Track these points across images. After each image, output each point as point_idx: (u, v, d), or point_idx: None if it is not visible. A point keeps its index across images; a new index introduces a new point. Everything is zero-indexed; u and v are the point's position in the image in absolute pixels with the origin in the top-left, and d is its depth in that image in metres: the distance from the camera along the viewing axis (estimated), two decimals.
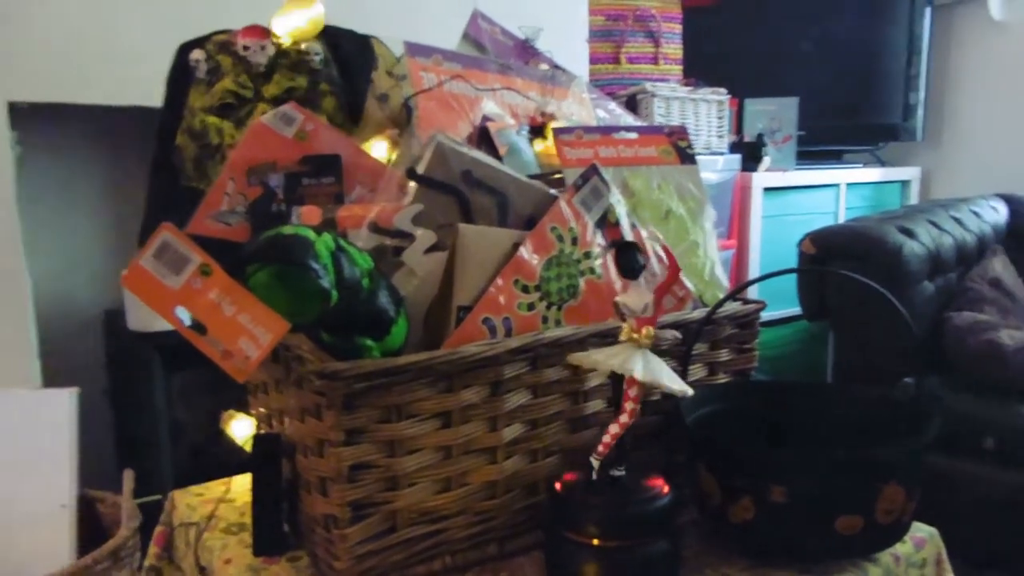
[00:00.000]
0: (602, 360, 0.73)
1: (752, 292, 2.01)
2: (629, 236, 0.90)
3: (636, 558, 0.69)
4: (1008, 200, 2.15)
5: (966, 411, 1.54)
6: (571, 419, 0.83)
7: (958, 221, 1.94)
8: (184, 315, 0.67)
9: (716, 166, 2.07)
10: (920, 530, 0.84)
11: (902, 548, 0.81)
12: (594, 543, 0.68)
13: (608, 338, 0.81)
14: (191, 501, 0.97)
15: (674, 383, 0.74)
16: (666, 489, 0.72)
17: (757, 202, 2.17)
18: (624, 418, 0.74)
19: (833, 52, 2.51)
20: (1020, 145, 2.42)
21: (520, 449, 0.80)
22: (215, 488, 1.00)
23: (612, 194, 0.90)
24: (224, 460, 1.04)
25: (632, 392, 0.74)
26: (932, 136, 2.58)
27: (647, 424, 0.86)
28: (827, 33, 2.50)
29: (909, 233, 1.74)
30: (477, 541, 0.79)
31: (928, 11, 2.44)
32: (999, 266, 1.86)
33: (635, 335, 0.74)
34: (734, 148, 2.21)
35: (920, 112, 2.48)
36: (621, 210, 0.91)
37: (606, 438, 0.74)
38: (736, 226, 2.17)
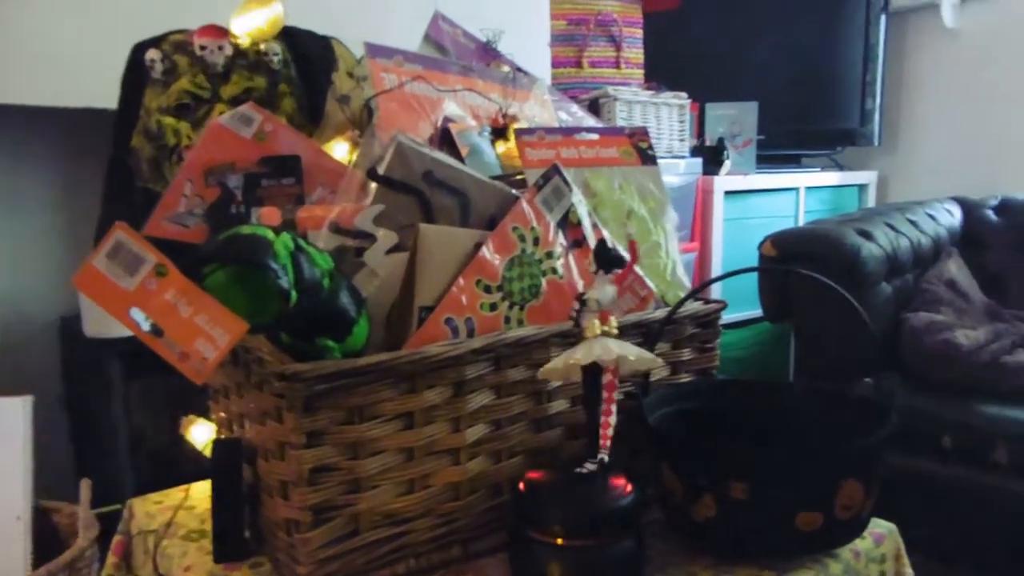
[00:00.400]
0: (582, 357, 0.74)
1: (714, 294, 2.03)
2: (591, 236, 0.90)
3: (601, 557, 0.68)
4: (962, 203, 2.19)
5: (924, 410, 1.56)
6: (535, 419, 0.83)
7: (914, 224, 1.97)
8: (139, 317, 0.66)
9: (678, 169, 2.08)
10: (879, 526, 0.86)
11: (861, 544, 0.82)
12: (558, 542, 0.68)
13: (570, 338, 0.81)
14: (150, 509, 0.95)
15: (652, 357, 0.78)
16: (630, 488, 0.72)
17: (719, 205, 2.20)
18: (614, 407, 0.76)
19: (792, 58, 2.55)
20: (973, 149, 2.48)
21: (484, 450, 0.80)
22: (174, 495, 0.98)
23: (574, 194, 0.90)
24: (185, 467, 1.02)
25: (616, 381, 0.77)
26: (888, 141, 2.63)
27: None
28: (786, 39, 2.54)
29: (867, 235, 1.77)
30: (441, 543, 0.79)
31: (883, 19, 2.49)
32: (954, 268, 1.90)
33: (604, 327, 0.75)
34: (695, 152, 2.23)
35: (876, 117, 2.53)
36: (583, 210, 0.91)
37: (607, 431, 0.75)
38: (698, 229, 2.19)
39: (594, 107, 1.98)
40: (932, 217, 2.05)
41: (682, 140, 2.16)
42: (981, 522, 1.50)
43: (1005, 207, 2.14)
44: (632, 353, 0.75)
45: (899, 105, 2.64)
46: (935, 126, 2.58)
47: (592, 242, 0.89)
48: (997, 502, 1.48)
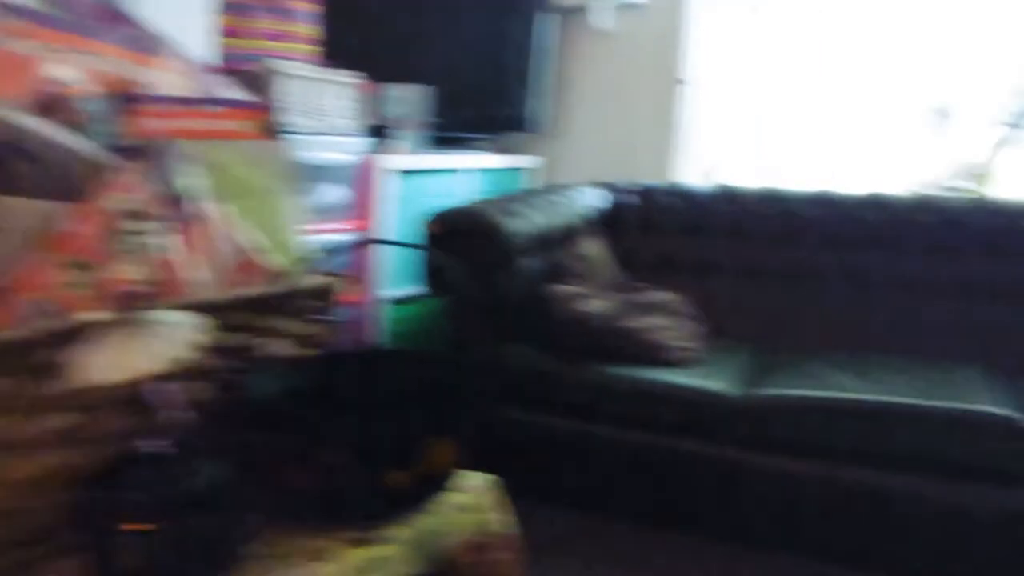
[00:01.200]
0: (144, 356, 0.72)
1: (391, 272, 2.09)
2: (200, 209, 0.88)
3: (180, 538, 0.67)
4: (609, 187, 2.48)
5: (555, 372, 1.74)
6: (129, 403, 0.79)
7: (564, 204, 2.18)
8: None
9: (348, 148, 2.09)
10: (478, 479, 0.93)
11: (461, 496, 0.89)
12: (134, 528, 0.66)
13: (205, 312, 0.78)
14: None
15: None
16: (211, 464, 0.71)
17: (390, 185, 2.25)
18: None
19: (467, 46, 2.68)
20: (621, 140, 2.79)
21: (70, 439, 0.75)
22: None
23: (186, 166, 0.87)
24: None
25: None
26: (550, 129, 2.87)
27: (208, 401, 0.84)
28: (462, 28, 2.67)
29: (516, 214, 1.92)
30: (18, 544, 0.72)
31: (547, 16, 2.69)
32: (593, 245, 2.13)
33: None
34: (369, 132, 2.26)
35: (540, 107, 2.74)
36: (195, 183, 0.89)
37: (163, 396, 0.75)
38: (367, 208, 2.22)
39: (255, 80, 1.92)
40: (578, 199, 2.29)
41: (353, 119, 2.17)
42: (591, 468, 1.72)
43: (643, 193, 2.45)
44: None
45: (561, 97, 2.89)
46: (591, 118, 2.86)
47: (206, 217, 0.87)
48: (607, 450, 1.70)
